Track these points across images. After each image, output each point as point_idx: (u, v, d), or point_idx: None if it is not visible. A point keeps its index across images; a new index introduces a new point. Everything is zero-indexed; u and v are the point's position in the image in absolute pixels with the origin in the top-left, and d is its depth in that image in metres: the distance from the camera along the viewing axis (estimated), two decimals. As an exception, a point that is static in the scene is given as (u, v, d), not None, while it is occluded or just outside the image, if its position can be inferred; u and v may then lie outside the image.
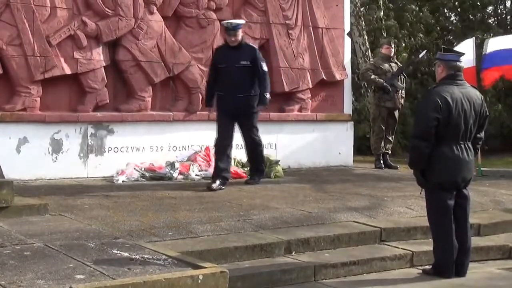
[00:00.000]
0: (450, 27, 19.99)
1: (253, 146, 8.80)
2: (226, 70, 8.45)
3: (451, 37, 19.20)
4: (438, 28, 18.60)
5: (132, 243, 5.47)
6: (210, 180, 8.56)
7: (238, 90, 8.38)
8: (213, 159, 9.83)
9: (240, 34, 8.58)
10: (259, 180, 8.99)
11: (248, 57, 8.49)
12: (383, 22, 16.68)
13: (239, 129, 8.75)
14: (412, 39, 17.18)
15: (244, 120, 8.65)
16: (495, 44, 11.00)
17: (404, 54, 16.32)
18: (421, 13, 17.82)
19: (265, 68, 8.67)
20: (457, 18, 20.39)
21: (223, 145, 8.50)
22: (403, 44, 16.66)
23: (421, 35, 17.36)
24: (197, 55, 10.12)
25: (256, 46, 9.18)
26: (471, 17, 19.70)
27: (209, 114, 10.20)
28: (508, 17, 20.84)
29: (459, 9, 19.91)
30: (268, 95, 8.62)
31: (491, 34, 16.20)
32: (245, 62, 8.45)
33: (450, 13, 20.43)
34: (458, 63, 5.93)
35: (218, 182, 8.40)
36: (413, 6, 17.87)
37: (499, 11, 20.74)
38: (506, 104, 17.47)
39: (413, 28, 17.50)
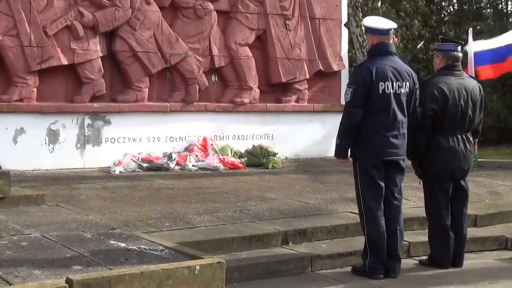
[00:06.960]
0: (446, 18, 19.98)
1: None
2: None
3: (448, 28, 19.21)
4: (434, 18, 18.60)
5: (129, 233, 5.47)
6: (207, 171, 8.43)
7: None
8: (209, 150, 9.82)
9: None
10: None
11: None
12: (380, 11, 16.69)
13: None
14: (407, 29, 17.19)
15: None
16: (479, 45, 11.08)
17: (401, 45, 16.31)
18: (420, 2, 17.81)
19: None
20: (452, 9, 20.40)
21: (380, 227, 5.37)
22: (398, 36, 16.69)
23: (417, 23, 17.32)
24: (194, 45, 10.10)
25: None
26: (466, 7, 19.74)
27: (206, 105, 10.23)
28: (504, 5, 20.86)
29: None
30: None
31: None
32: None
33: (446, 4, 20.43)
34: (456, 53, 5.89)
35: None
36: None
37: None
38: (502, 94, 17.51)
39: (410, 17, 17.48)
